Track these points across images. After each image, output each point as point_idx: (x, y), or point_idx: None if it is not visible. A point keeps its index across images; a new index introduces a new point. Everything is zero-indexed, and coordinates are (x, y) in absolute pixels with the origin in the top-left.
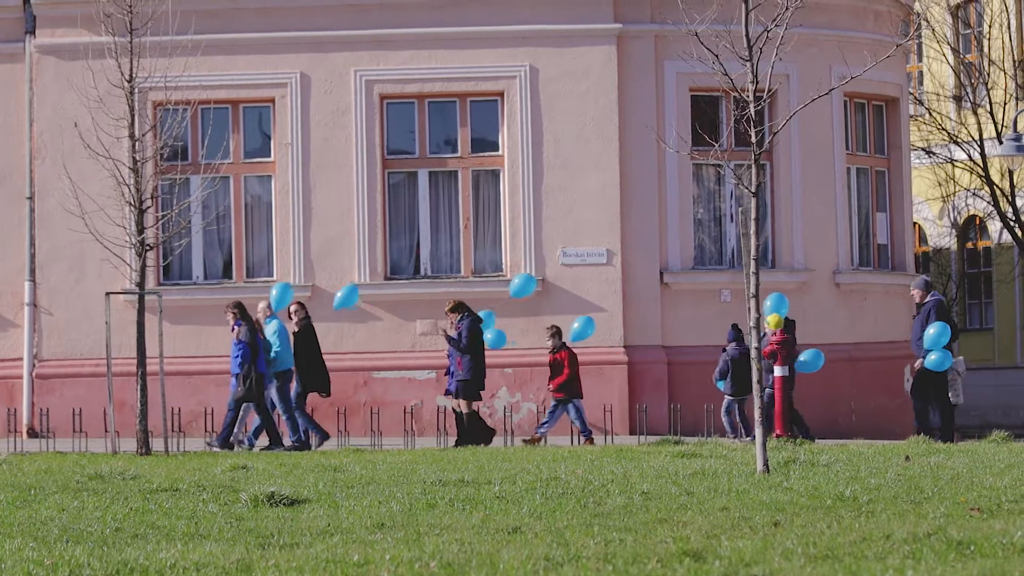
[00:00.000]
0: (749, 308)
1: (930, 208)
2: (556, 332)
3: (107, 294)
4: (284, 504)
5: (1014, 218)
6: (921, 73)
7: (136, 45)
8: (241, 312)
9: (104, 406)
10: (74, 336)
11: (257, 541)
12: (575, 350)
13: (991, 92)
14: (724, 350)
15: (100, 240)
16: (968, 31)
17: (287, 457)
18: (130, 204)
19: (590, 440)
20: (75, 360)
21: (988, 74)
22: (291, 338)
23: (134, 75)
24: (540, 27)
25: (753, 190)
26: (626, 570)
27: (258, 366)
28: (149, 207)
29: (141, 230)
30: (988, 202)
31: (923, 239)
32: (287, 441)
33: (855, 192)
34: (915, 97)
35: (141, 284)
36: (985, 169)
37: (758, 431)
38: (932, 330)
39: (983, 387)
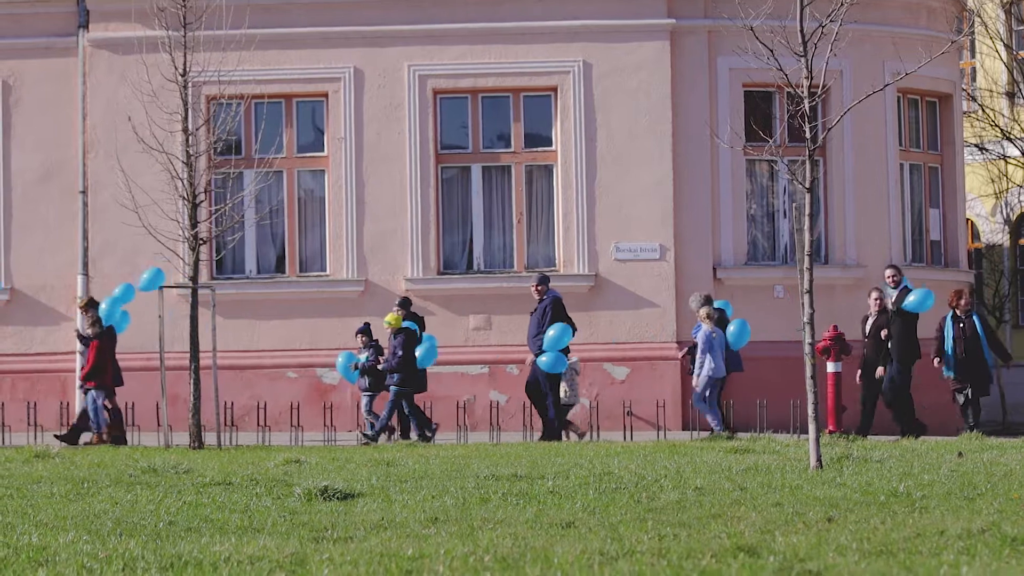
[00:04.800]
0: (803, 304)
1: (983, 204)
2: (95, 320)
3: (160, 288)
4: (337, 498)
5: None
6: (974, 69)
7: (189, 39)
8: None
9: (157, 400)
10: (127, 330)
11: (311, 535)
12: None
13: None
14: (371, 347)
15: (153, 234)
16: (1021, 27)
17: (340, 451)
18: (183, 198)
19: (99, 437)
20: (128, 354)
21: None
22: None
23: (187, 69)
24: (593, 22)
25: (807, 186)
26: (680, 565)
27: None
28: (202, 201)
29: (194, 224)
30: None
31: (976, 235)
32: None
33: (908, 188)
34: (968, 93)
35: (194, 278)
36: None
37: (811, 426)
38: (552, 332)
39: None
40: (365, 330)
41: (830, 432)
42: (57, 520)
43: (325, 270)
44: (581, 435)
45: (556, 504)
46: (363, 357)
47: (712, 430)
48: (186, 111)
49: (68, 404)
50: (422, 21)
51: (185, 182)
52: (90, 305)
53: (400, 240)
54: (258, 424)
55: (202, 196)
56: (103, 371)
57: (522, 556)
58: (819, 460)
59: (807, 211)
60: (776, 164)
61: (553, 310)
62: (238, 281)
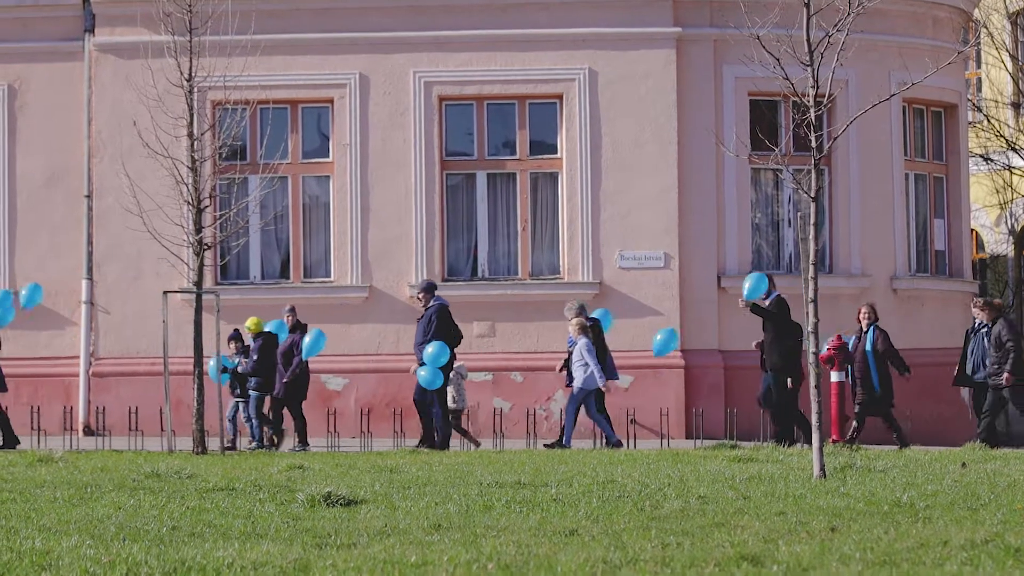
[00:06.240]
0: (807, 313)
1: (987, 215)
2: None
3: (164, 293)
4: (341, 504)
5: None
6: (980, 79)
7: (195, 44)
8: None
9: (160, 405)
10: (131, 335)
11: (314, 541)
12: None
13: None
14: (241, 353)
15: (158, 239)
16: None
17: (343, 457)
18: (188, 203)
19: None
20: (132, 358)
21: None
22: None
23: (193, 74)
24: (599, 30)
25: (812, 195)
26: (684, 573)
27: None
28: (207, 206)
29: (199, 229)
30: None
31: (980, 246)
32: None
33: (913, 198)
34: (973, 103)
35: (199, 283)
36: None
37: (815, 436)
38: (431, 348)
39: None
40: (236, 336)
41: (834, 441)
42: (60, 524)
43: (329, 276)
44: (477, 444)
45: (560, 512)
46: (235, 363)
47: (608, 439)
48: (191, 116)
49: (71, 408)
50: (428, 28)
51: (190, 187)
52: None
53: (404, 247)
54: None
55: (207, 201)
56: None
57: (525, 564)
58: (822, 469)
59: (812, 220)
60: (781, 173)
61: (439, 318)
62: (242, 286)
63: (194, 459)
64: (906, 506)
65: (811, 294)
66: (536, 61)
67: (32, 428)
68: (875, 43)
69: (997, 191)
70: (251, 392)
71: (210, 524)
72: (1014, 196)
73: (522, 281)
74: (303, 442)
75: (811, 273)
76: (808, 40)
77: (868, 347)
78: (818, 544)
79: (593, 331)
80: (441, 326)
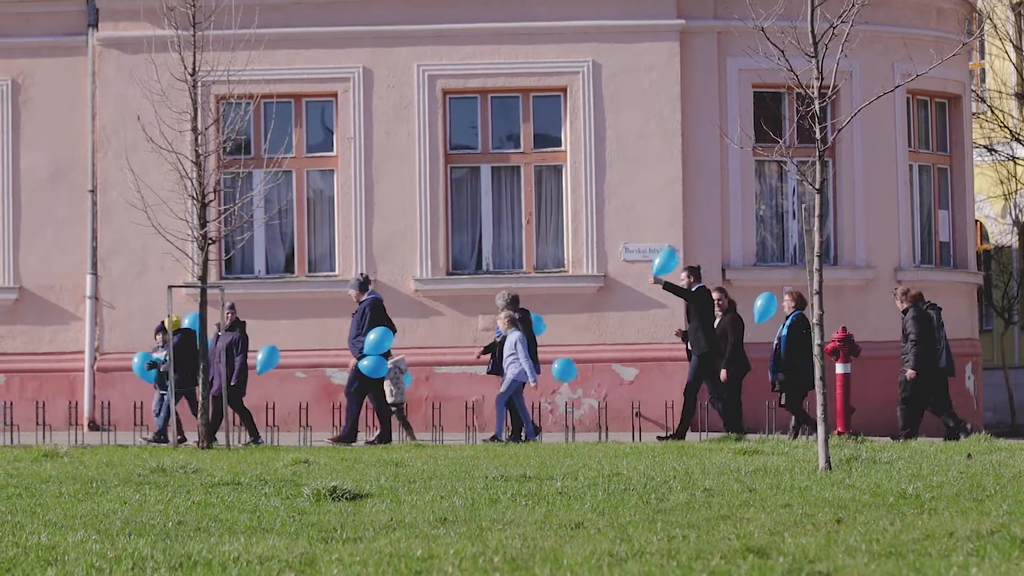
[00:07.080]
0: (812, 305)
1: (992, 206)
2: None
3: (169, 287)
4: (346, 498)
5: None
6: (983, 70)
7: (199, 39)
8: None
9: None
10: (136, 329)
11: (320, 535)
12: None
13: None
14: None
15: (162, 233)
16: None
17: (349, 452)
18: (192, 198)
19: None
20: (136, 353)
21: None
22: None
23: (197, 69)
24: (603, 23)
25: (817, 187)
26: (690, 566)
27: None
28: (211, 201)
29: (203, 224)
30: None
31: (984, 237)
32: None
33: (917, 189)
34: (977, 94)
35: (203, 278)
36: None
37: (820, 428)
38: (373, 336)
39: None
40: (162, 328)
41: (839, 433)
42: (66, 519)
43: (334, 270)
44: (413, 437)
45: (565, 505)
46: (160, 356)
47: (495, 435)
48: (195, 110)
49: (77, 403)
50: (431, 21)
51: (194, 181)
52: None
53: (409, 240)
54: (267, 424)
55: (211, 196)
56: None
57: (531, 557)
58: (828, 461)
59: (817, 212)
60: (785, 165)
61: (372, 312)
62: (247, 281)
63: (199, 454)
64: (912, 497)
65: (816, 286)
66: (540, 54)
67: (37, 423)
68: (879, 34)
69: (1001, 182)
70: (171, 387)
71: (216, 518)
72: (1018, 187)
73: (527, 274)
74: (254, 436)
75: (816, 265)
76: (812, 31)
77: (783, 334)
78: (824, 536)
79: (522, 323)
80: (375, 319)
